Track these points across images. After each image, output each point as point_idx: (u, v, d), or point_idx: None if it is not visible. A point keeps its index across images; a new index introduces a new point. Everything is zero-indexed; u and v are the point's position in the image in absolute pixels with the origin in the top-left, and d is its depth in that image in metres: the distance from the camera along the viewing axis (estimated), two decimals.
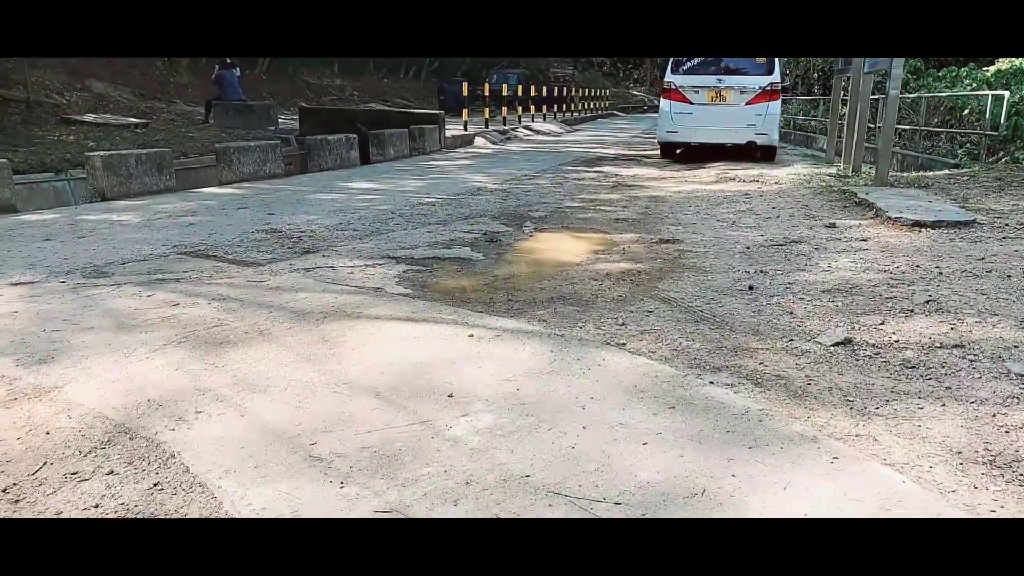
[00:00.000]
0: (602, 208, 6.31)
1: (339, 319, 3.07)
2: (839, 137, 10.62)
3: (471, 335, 2.86)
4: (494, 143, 14.02)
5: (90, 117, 12.20)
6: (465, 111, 14.61)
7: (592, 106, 28.79)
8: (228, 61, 14.73)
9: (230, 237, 4.88)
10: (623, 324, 3.04)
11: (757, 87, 10.10)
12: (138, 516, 1.63)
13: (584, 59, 40.28)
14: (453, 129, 14.19)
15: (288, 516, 1.62)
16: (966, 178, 7.01)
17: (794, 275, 3.86)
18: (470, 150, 12.68)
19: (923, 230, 4.85)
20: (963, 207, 5.45)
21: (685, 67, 10.52)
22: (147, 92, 16.03)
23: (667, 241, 4.88)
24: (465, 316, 3.12)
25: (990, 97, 8.73)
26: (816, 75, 23.12)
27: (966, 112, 11.84)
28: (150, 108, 14.75)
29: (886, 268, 3.92)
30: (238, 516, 1.62)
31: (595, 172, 9.26)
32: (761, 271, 3.95)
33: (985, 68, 18.30)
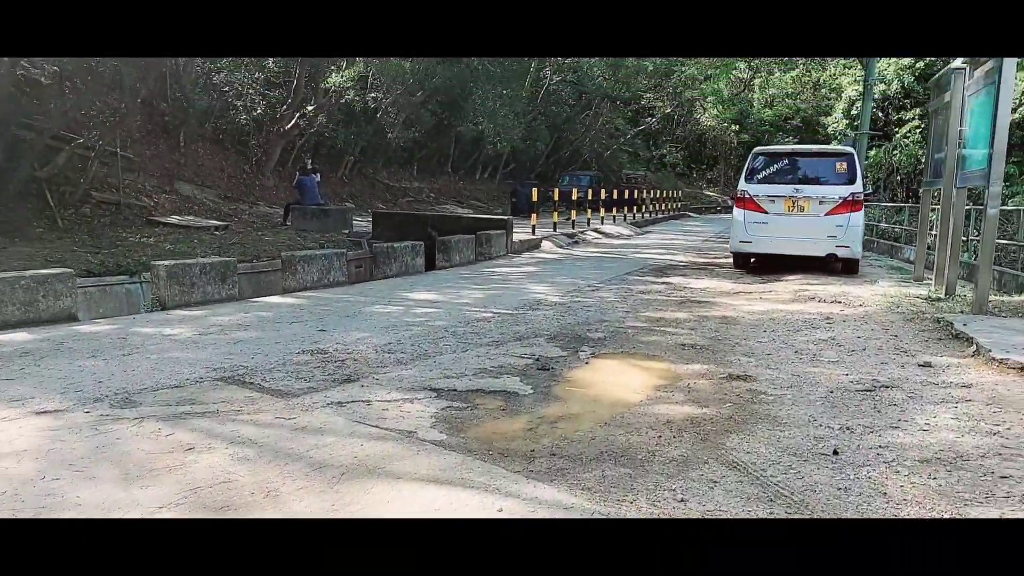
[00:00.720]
0: (667, 330, 5.90)
1: (358, 477, 2.76)
2: (929, 250, 9.97)
3: (500, 509, 2.48)
4: (561, 247, 13.89)
5: (174, 219, 12.79)
6: (534, 215, 14.62)
7: (664, 207, 28.67)
8: (309, 167, 15.37)
9: (274, 359, 4.72)
10: (683, 500, 2.60)
11: (838, 196, 9.66)
12: None
13: (657, 160, 40.62)
14: (521, 233, 14.18)
15: None
16: None
17: (886, 434, 3.34)
18: (537, 255, 12.57)
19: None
20: None
21: (760, 176, 10.21)
22: (232, 194, 16.82)
23: (738, 378, 4.42)
24: (498, 478, 2.76)
25: None
26: (899, 178, 22.40)
27: None
28: (233, 210, 15.42)
29: (995, 430, 3.36)
30: None
31: (662, 283, 8.89)
32: (847, 427, 3.45)
33: None
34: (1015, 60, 5.76)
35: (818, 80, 42.64)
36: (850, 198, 9.55)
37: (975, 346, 4.91)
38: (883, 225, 15.79)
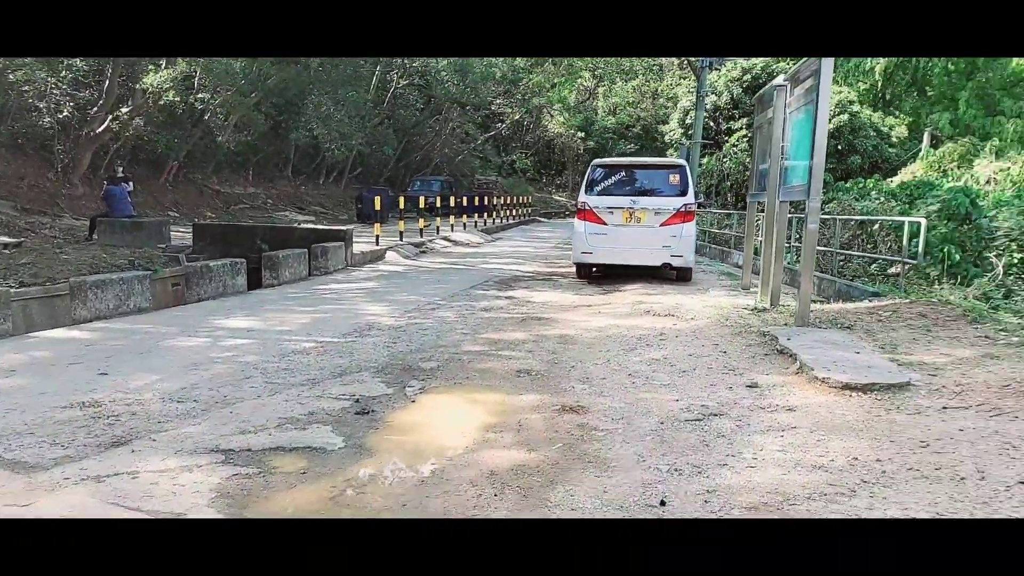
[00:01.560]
0: (505, 354, 5.60)
1: None
2: (756, 254, 10.46)
3: None
4: (407, 258, 13.38)
5: None
6: (377, 225, 13.99)
7: (515, 213, 28.86)
8: (119, 175, 13.83)
9: (31, 418, 3.90)
10: None
11: (671, 208, 9.88)
12: None
13: (508, 165, 41.02)
14: (364, 243, 13.51)
15: None
16: (888, 313, 6.67)
17: (714, 475, 3.17)
18: (379, 268, 11.97)
19: (855, 395, 4.30)
20: (893, 359, 4.98)
21: (599, 187, 10.26)
22: (33, 206, 14.82)
23: (571, 409, 4.16)
24: None
25: (906, 224, 8.64)
26: (730, 184, 23.84)
27: (876, 227, 11.99)
28: (31, 224, 13.54)
29: (820, 463, 3.28)
30: None
31: (506, 298, 8.64)
32: (676, 468, 3.25)
33: (889, 180, 19.17)
34: (831, 78, 5.98)
35: (656, 90, 44.90)
36: (683, 209, 9.80)
37: (798, 363, 4.97)
38: (715, 230, 16.60)
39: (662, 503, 2.89)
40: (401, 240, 14.74)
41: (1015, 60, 26.06)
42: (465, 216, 21.08)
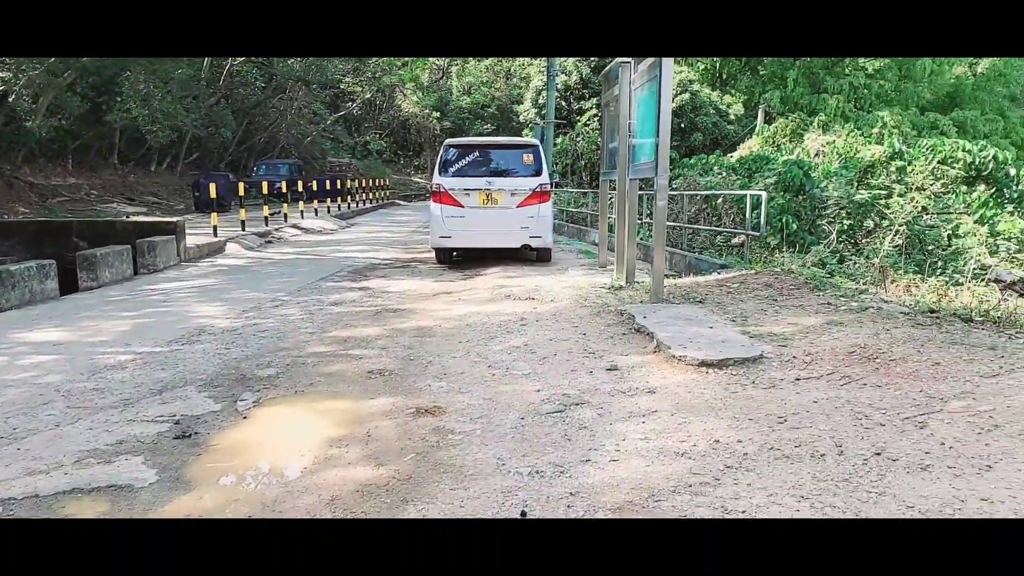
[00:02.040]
0: (356, 353, 5.17)
1: None
2: (610, 232, 10.57)
3: None
4: (251, 250, 12.43)
5: None
6: (214, 214, 12.88)
7: (372, 196, 27.96)
8: None
9: None
10: None
11: (527, 188, 9.73)
12: None
13: (362, 147, 39.70)
14: (201, 235, 12.41)
15: None
16: (737, 285, 6.85)
17: (577, 473, 2.96)
18: (219, 262, 11.01)
19: (711, 371, 4.28)
20: (744, 331, 5.05)
21: (453, 168, 9.92)
22: None
23: (426, 412, 3.84)
24: None
25: (748, 197, 8.97)
26: (584, 163, 24.29)
27: (720, 201, 12.52)
28: None
29: (683, 449, 3.16)
30: None
31: (359, 289, 8.14)
32: (537, 470, 3.01)
33: (730, 155, 20.21)
34: (672, 58, 5.96)
35: (509, 69, 45.02)
36: (538, 189, 9.68)
37: (656, 342, 4.92)
38: (572, 209, 16.78)
39: (523, 514, 2.63)
40: (244, 230, 13.70)
41: None
42: (316, 201, 20.05)
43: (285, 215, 17.03)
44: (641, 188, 9.82)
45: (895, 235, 9.88)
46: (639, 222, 10.96)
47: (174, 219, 11.05)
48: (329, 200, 21.75)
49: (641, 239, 10.75)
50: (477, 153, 10.05)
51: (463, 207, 9.70)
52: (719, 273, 7.90)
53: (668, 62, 5.93)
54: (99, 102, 19.42)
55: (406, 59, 33.19)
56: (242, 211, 14.26)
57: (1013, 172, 12.12)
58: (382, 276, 9.26)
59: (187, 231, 11.26)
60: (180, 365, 4.87)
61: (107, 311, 7.00)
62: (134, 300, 7.61)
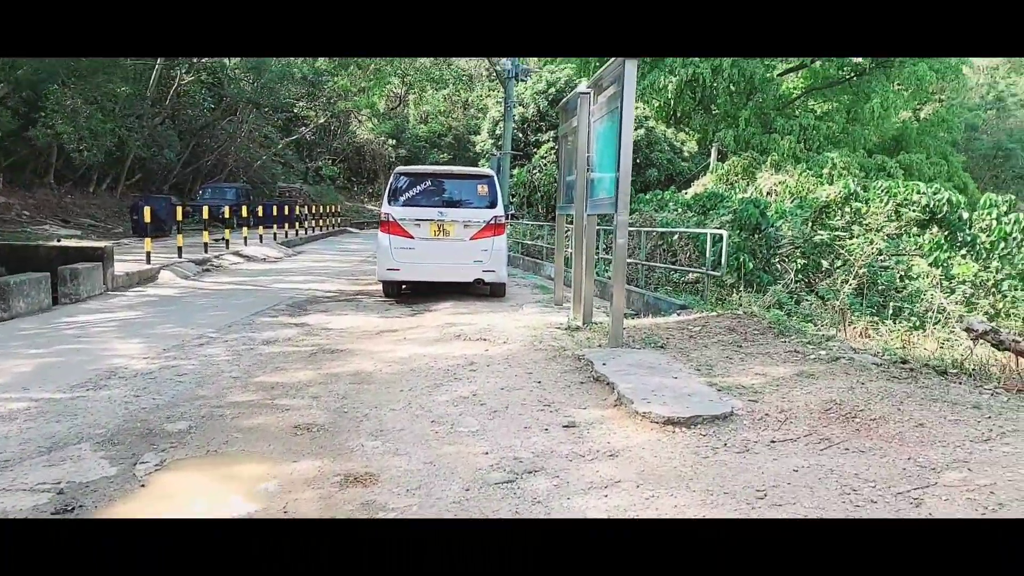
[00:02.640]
0: (283, 403, 4.62)
1: None
2: (567, 267, 10.22)
3: None
4: (186, 278, 11.70)
5: None
6: (147, 240, 12.10)
7: (323, 223, 27.23)
8: None
9: None
10: None
11: (482, 220, 9.32)
12: None
13: (314, 172, 38.94)
14: (133, 261, 11.64)
15: None
16: (698, 328, 6.52)
17: None
18: (148, 291, 10.26)
19: (678, 431, 3.87)
20: (711, 382, 4.67)
21: (404, 197, 9.46)
22: None
23: (356, 480, 3.33)
24: None
25: (709, 236, 8.72)
26: (540, 195, 24.07)
27: (676, 238, 12.32)
28: None
29: None
30: None
31: (297, 326, 7.56)
32: None
33: (684, 192, 20.22)
34: (635, 83, 5.65)
35: (467, 100, 45.00)
36: (493, 221, 9.28)
37: (616, 393, 4.50)
38: (527, 241, 16.44)
39: None
40: (180, 257, 12.94)
41: (785, 84, 28.95)
42: (262, 228, 19.30)
43: (227, 241, 16.26)
44: (599, 223, 9.53)
45: (854, 277, 9.75)
46: (596, 257, 10.67)
47: (102, 244, 10.28)
48: (276, 226, 21.00)
49: (598, 274, 10.43)
50: (430, 182, 9.62)
51: (413, 238, 9.23)
52: (679, 314, 7.58)
53: (629, 93, 5.62)
54: (33, 118, 18.42)
55: (363, 85, 32.80)
56: (179, 237, 13.49)
57: (966, 215, 12.26)
58: (324, 311, 8.68)
59: (118, 257, 10.50)
60: (80, 416, 4.25)
61: (12, 348, 6.28)
62: (46, 335, 6.88)
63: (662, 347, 5.87)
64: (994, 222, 11.91)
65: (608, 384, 4.76)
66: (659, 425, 3.97)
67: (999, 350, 5.47)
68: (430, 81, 41.83)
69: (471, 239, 9.26)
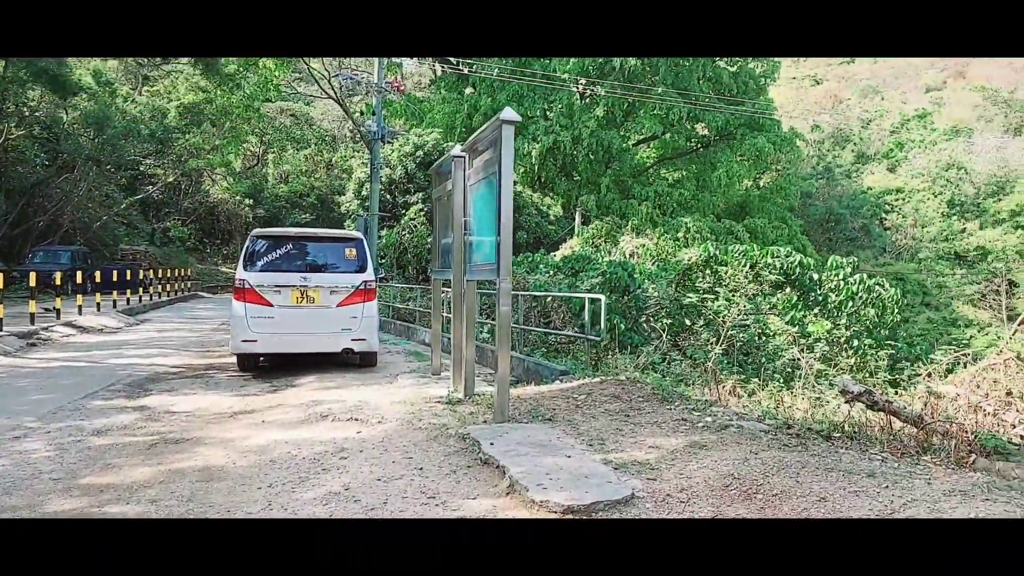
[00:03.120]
0: (114, 510, 3.84)
1: None
2: (445, 333, 9.80)
3: None
4: (7, 355, 10.17)
5: None
6: None
7: (171, 288, 25.23)
8: None
9: None
10: None
11: (350, 285, 8.76)
12: None
13: (161, 233, 36.37)
14: None
15: None
16: (584, 396, 6.29)
17: None
18: None
19: (579, 519, 3.51)
20: (606, 459, 4.39)
21: (262, 262, 8.73)
22: None
23: None
24: None
25: (587, 300, 8.64)
26: (411, 257, 23.65)
27: (549, 300, 12.28)
28: None
29: None
30: None
31: (136, 409, 6.60)
32: None
33: (553, 254, 20.54)
34: (512, 147, 5.47)
35: (331, 160, 44.14)
36: (362, 287, 8.75)
37: (508, 479, 4.10)
38: (399, 305, 15.89)
39: None
40: (1, 330, 11.30)
41: (640, 153, 30.62)
42: (99, 295, 17.44)
43: (58, 311, 14.48)
44: (478, 286, 9.22)
45: (724, 339, 10.02)
46: (477, 320, 10.33)
47: None
48: (117, 293, 19.11)
49: (480, 342, 10.09)
50: (291, 245, 8.95)
51: (272, 306, 8.49)
52: (561, 381, 7.34)
53: (508, 156, 5.42)
54: None
55: (217, 143, 31.28)
56: (0, 307, 11.79)
57: (816, 276, 13.13)
58: (168, 390, 7.71)
59: None
60: None
61: None
62: None
63: (550, 420, 5.56)
64: (841, 282, 12.85)
65: (498, 467, 4.36)
66: (558, 515, 3.60)
67: (873, 411, 5.59)
68: (290, 140, 40.80)
69: (339, 306, 8.66)
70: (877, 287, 12.91)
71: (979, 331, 28.97)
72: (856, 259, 14.35)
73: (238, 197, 39.57)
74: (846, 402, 5.57)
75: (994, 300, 32.92)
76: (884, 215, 38.07)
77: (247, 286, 8.47)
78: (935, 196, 38.57)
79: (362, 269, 8.89)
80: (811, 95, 61.37)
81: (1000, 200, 37.38)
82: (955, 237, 36.44)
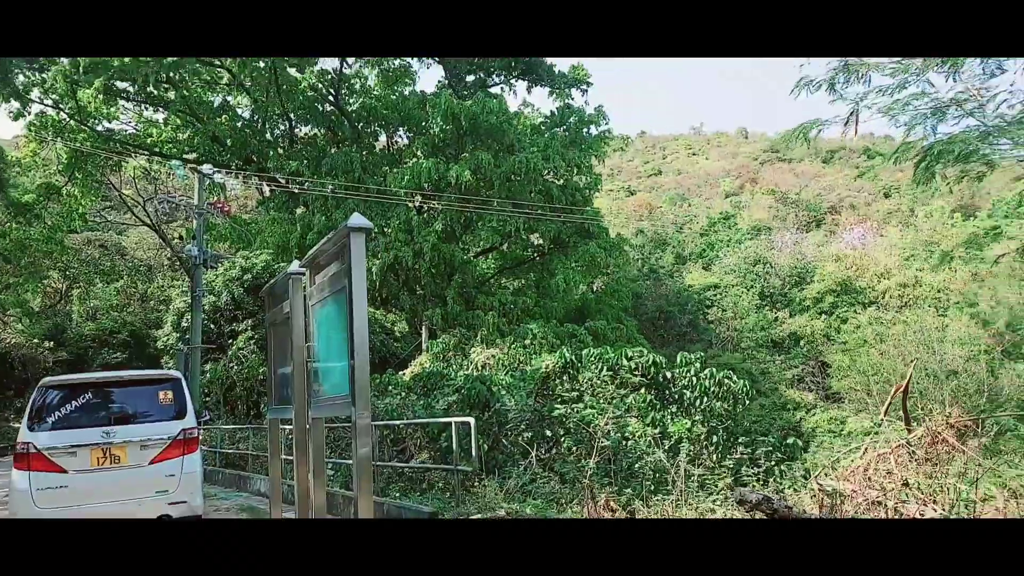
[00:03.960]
0: None
1: None
2: (285, 479, 8.42)
3: None
4: None
5: None
6: None
7: None
8: None
9: None
10: None
11: (166, 436, 7.31)
12: None
13: None
14: None
15: None
16: None
17: None
18: None
19: None
20: None
21: (54, 418, 7.10)
22: None
23: None
24: None
25: (454, 425, 7.77)
26: (240, 392, 21.50)
27: (402, 425, 11.22)
28: None
29: None
30: None
31: None
32: None
33: (402, 373, 19.45)
34: (364, 259, 4.70)
35: (146, 291, 40.62)
36: (181, 436, 7.33)
37: None
38: (228, 450, 14.00)
39: None
40: None
41: (481, 263, 30.81)
42: None
43: None
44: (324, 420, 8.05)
45: (595, 450, 9.46)
46: (331, 467, 9.03)
47: None
48: None
49: (331, 488, 8.79)
50: (91, 394, 7.39)
51: (66, 472, 6.85)
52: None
53: (359, 267, 4.65)
54: None
55: (10, 282, 27.63)
56: None
57: (670, 375, 13.16)
58: None
59: None
60: None
61: None
62: None
63: None
64: (694, 378, 12.96)
65: None
66: None
67: (772, 518, 5.16)
68: (99, 274, 37.15)
69: (152, 462, 7.17)
70: (727, 380, 13.15)
71: (807, 412, 30.97)
72: (704, 354, 14.68)
73: (36, 340, 34.94)
74: (747, 511, 5.09)
75: (811, 381, 35.65)
76: (707, 310, 40.77)
77: (32, 450, 6.79)
78: (747, 290, 42.07)
79: (180, 415, 7.47)
80: (628, 204, 66.41)
81: (803, 289, 41.46)
82: (770, 326, 39.60)
